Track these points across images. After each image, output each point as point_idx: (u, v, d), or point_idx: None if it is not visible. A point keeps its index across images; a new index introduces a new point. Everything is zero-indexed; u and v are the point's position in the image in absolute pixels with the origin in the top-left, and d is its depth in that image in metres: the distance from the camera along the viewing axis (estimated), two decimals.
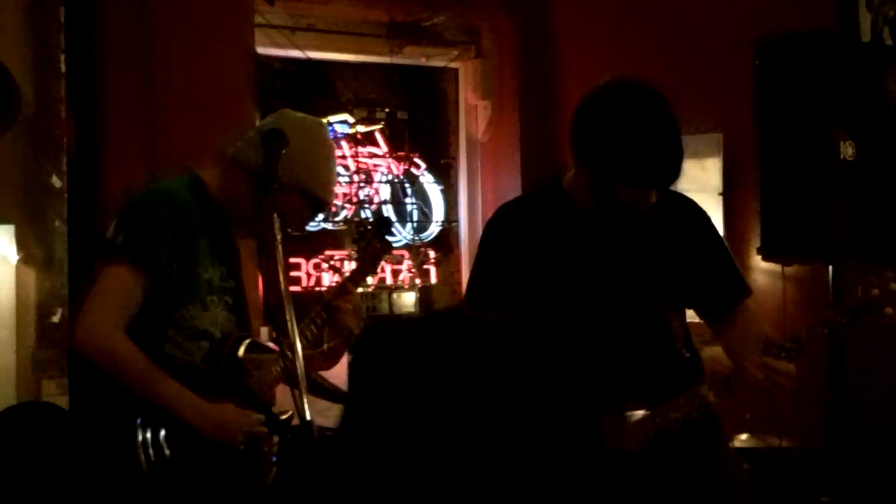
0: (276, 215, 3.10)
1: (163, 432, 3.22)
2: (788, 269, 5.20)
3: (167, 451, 3.21)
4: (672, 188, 3.29)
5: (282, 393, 5.48)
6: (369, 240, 3.63)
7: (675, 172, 3.17)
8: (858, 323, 3.19)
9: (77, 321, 3.23)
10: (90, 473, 3.27)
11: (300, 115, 3.50)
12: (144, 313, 3.23)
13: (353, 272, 3.65)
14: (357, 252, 3.71)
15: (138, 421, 3.19)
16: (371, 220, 6.29)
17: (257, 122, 6.35)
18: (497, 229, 3.43)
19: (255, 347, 3.48)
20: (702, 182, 5.59)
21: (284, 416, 3.46)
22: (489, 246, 3.44)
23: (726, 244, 3.48)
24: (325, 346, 3.53)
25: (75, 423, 3.44)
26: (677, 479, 3.26)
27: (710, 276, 3.38)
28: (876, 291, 3.15)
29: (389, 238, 3.69)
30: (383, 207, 7.13)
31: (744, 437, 5.20)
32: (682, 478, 3.27)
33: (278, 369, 3.43)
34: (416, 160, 7.32)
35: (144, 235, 3.23)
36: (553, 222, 3.33)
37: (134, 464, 3.15)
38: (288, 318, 2.96)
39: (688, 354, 3.35)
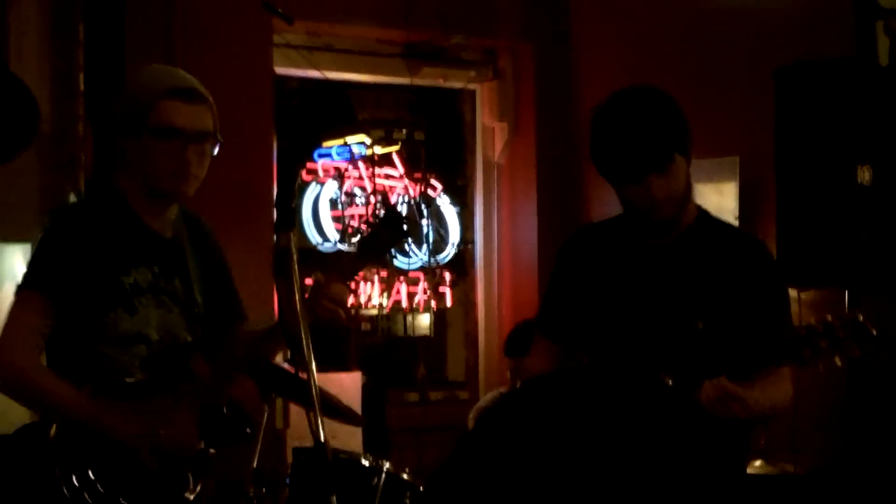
0: (290, 234, 3.09)
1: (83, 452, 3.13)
2: (804, 295, 5.18)
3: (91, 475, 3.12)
4: (727, 223, 3.41)
5: (297, 415, 5.48)
6: (376, 228, 3.43)
7: (637, 161, 3.19)
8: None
9: None
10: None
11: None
12: (70, 335, 3.19)
13: (347, 259, 3.46)
14: (359, 241, 3.50)
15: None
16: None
17: (274, 144, 6.40)
18: (569, 247, 3.54)
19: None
20: (718, 205, 5.57)
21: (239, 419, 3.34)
22: (562, 265, 3.54)
23: (780, 305, 3.35)
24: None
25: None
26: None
27: (741, 332, 3.27)
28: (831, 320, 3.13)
29: (397, 233, 3.39)
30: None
31: (758, 463, 5.16)
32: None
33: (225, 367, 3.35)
34: (433, 181, 7.32)
35: (45, 263, 3.19)
36: (614, 245, 3.43)
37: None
38: (303, 337, 2.94)
39: (670, 383, 3.27)
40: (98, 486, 3.09)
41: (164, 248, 3.34)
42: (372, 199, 7.03)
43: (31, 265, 3.21)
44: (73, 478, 3.08)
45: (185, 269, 3.38)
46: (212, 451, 3.27)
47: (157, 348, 3.28)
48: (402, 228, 3.34)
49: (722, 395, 3.10)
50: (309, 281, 3.42)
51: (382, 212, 6.93)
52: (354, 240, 6.94)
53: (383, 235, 3.34)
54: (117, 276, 3.24)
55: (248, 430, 3.37)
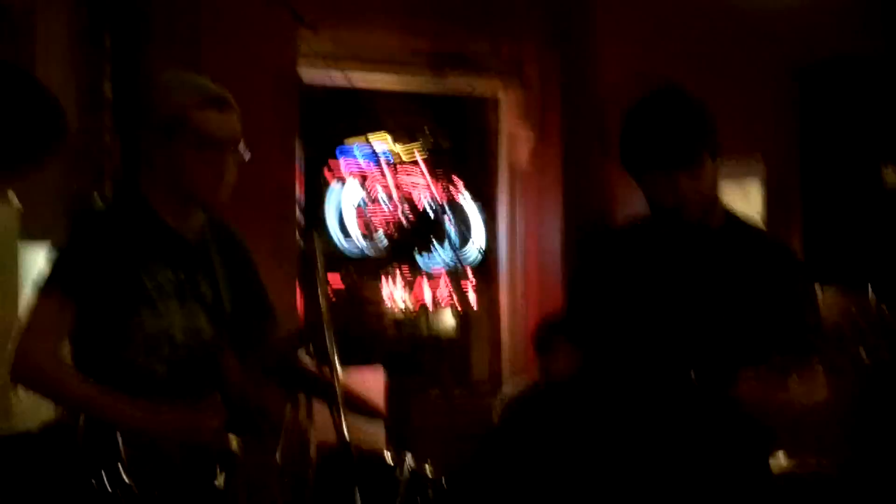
0: (314, 233, 3.10)
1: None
2: (829, 292, 5.16)
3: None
4: (757, 228, 3.40)
5: (321, 410, 5.49)
6: (407, 233, 3.40)
7: (666, 154, 3.20)
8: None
9: (14, 351, 3.19)
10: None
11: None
12: (94, 338, 3.21)
13: (376, 261, 3.42)
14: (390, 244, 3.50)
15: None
16: None
17: (298, 151, 6.43)
18: (591, 251, 3.56)
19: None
20: (742, 206, 5.56)
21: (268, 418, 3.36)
22: (585, 270, 3.56)
23: (809, 310, 3.33)
24: None
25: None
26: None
27: (765, 333, 3.25)
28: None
29: (427, 238, 3.44)
30: None
31: (781, 459, 5.13)
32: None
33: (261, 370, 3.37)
34: (458, 187, 7.34)
35: (68, 264, 3.20)
36: (638, 248, 3.42)
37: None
38: (327, 337, 2.96)
39: (695, 380, 3.26)
40: (127, 479, 3.11)
41: (189, 251, 3.36)
42: (396, 201, 7.06)
43: (57, 265, 3.22)
44: (103, 473, 3.10)
45: (211, 272, 3.39)
46: (237, 441, 3.28)
47: (181, 350, 3.30)
48: (433, 234, 3.36)
49: (762, 383, 3.09)
50: (336, 280, 3.44)
51: (412, 216, 6.95)
52: (377, 236, 6.95)
53: (413, 240, 3.36)
54: (140, 278, 3.26)
55: (269, 427, 3.38)
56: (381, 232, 6.95)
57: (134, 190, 3.39)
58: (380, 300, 7.01)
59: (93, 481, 3.07)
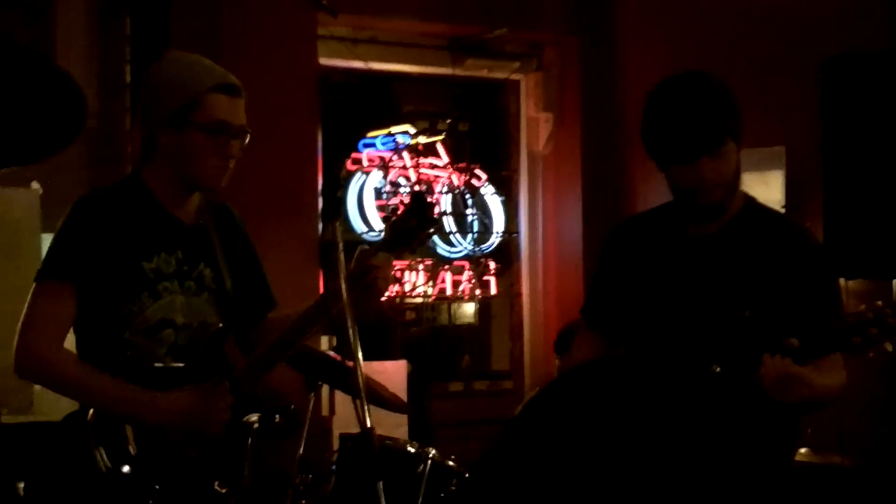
0: (336, 225, 3.09)
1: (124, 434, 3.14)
2: (851, 284, 5.16)
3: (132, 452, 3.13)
4: (783, 218, 3.39)
5: (343, 402, 5.50)
6: (402, 215, 3.35)
7: (691, 141, 3.18)
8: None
9: (16, 345, 3.18)
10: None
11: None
12: (97, 324, 3.20)
13: (380, 242, 3.33)
14: (386, 227, 3.43)
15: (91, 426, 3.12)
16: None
17: (319, 135, 6.43)
18: (615, 238, 3.54)
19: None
20: (764, 196, 5.55)
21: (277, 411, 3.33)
22: (607, 256, 3.54)
23: (830, 294, 3.34)
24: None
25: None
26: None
27: (790, 322, 3.22)
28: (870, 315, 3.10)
29: (424, 220, 3.25)
30: (444, 219, 7.14)
31: (804, 450, 5.14)
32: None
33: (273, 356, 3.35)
34: (477, 172, 7.33)
35: (64, 250, 3.18)
36: (660, 234, 3.42)
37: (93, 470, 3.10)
38: (349, 326, 2.95)
39: (718, 370, 3.26)
40: (132, 468, 3.12)
41: (188, 235, 3.34)
42: (416, 188, 7.04)
43: (51, 253, 3.19)
44: (109, 460, 3.10)
45: (212, 255, 3.38)
46: (252, 421, 3.26)
47: (184, 333, 3.29)
48: (429, 215, 3.28)
49: (784, 373, 3.08)
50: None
51: (409, 198, 6.91)
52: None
53: (410, 222, 3.28)
54: (139, 263, 3.24)
55: (278, 417, 3.35)
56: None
57: (135, 174, 3.38)
58: (400, 290, 7.01)
59: (101, 469, 3.08)
